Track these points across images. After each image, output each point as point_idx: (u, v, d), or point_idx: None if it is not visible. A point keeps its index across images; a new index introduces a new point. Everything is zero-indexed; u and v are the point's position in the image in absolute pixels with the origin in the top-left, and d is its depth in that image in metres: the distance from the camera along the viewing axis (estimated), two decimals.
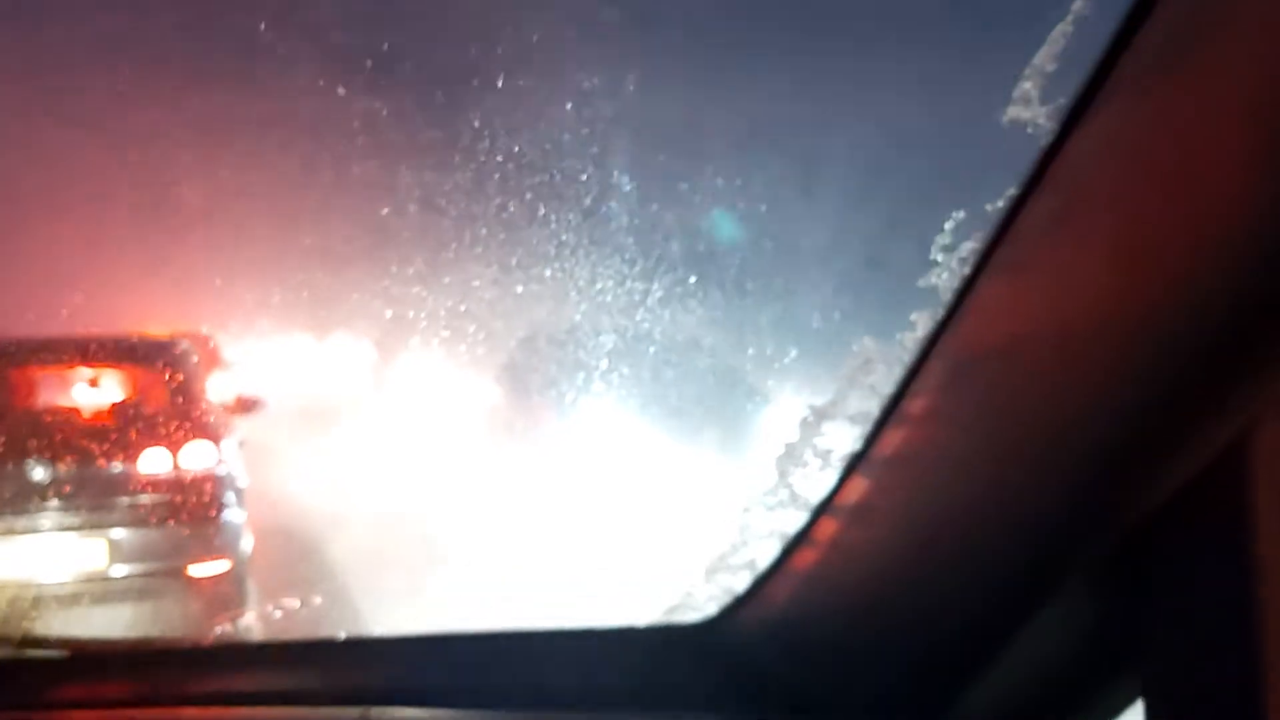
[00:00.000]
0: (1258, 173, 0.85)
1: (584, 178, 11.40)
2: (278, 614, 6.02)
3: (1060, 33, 1.38)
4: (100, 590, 6.41)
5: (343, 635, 1.92)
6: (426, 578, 6.74)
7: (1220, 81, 0.88)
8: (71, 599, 6.35)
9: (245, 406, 7.64)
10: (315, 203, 11.22)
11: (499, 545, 7.38)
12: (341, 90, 11.32)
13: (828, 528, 1.34)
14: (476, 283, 11.41)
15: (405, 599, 6.40)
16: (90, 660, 1.78)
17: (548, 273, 11.26)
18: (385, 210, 11.35)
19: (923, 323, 1.27)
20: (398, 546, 7.20)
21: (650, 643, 1.64)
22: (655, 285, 11.20)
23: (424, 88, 11.53)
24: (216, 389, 7.43)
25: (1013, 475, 1.07)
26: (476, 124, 11.54)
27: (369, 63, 11.27)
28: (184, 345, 7.38)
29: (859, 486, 1.28)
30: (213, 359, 7.77)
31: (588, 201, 11.38)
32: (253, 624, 6.18)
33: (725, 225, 10.95)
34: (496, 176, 11.44)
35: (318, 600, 6.23)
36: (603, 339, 11.27)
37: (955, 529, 1.14)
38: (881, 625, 1.25)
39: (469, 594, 6.38)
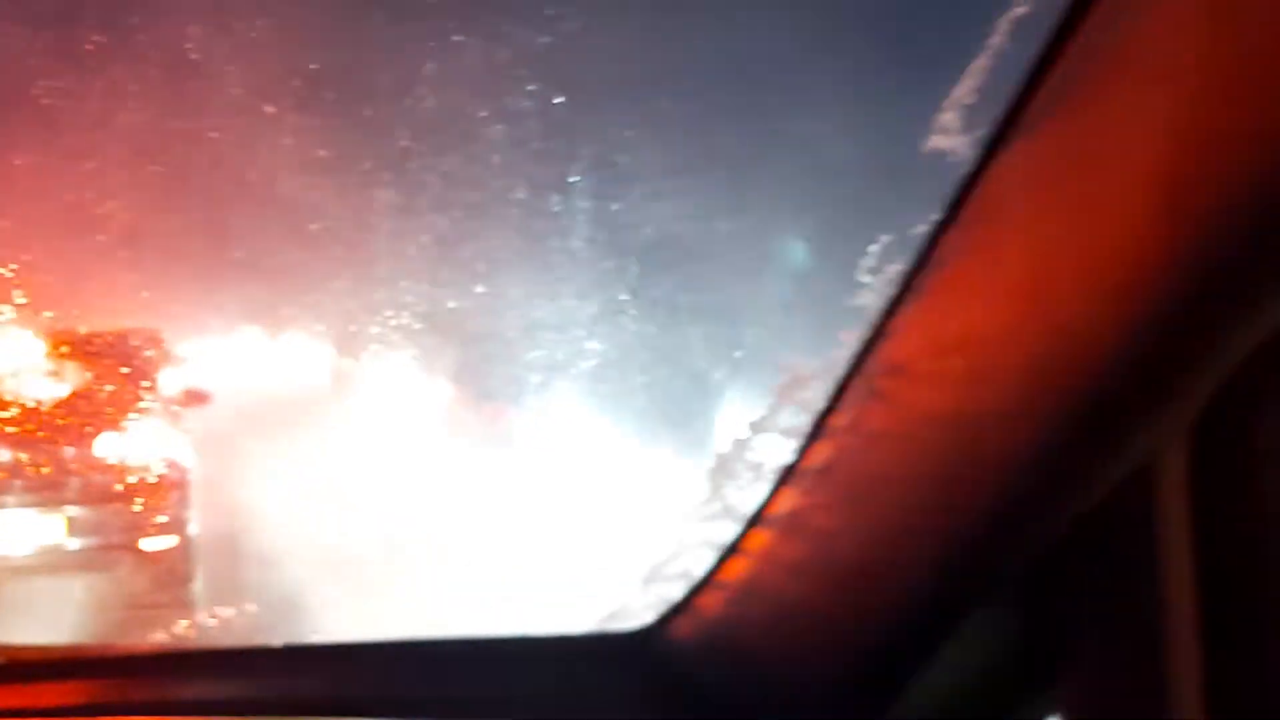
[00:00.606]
0: (1161, 211, 0.90)
1: (518, 195, 11.40)
2: (212, 621, 6.14)
3: (978, 66, 1.44)
4: (58, 561, 6.94)
5: (278, 643, 1.92)
6: (363, 580, 6.77)
7: (1131, 117, 0.94)
8: (32, 569, 6.85)
9: (193, 399, 8.08)
10: (247, 217, 11.13)
11: (439, 551, 7.43)
12: (270, 108, 11.26)
13: (759, 539, 1.38)
14: (410, 297, 11.36)
15: (341, 602, 6.44)
16: (25, 667, 1.75)
17: (479, 288, 11.25)
18: (315, 226, 11.29)
19: (850, 342, 1.32)
20: (332, 549, 7.29)
21: (586, 651, 1.66)
22: (590, 303, 11.24)
23: (354, 106, 11.48)
24: (167, 382, 7.94)
25: (932, 492, 1.12)
26: (406, 142, 11.52)
27: (297, 82, 11.22)
28: (137, 340, 7.94)
29: (789, 499, 1.33)
30: (163, 354, 8.19)
31: (520, 219, 11.39)
32: (188, 631, 6.32)
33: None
34: (427, 194, 11.43)
35: (252, 607, 6.36)
36: (535, 354, 11.28)
37: (879, 542, 1.19)
38: (810, 636, 1.29)
39: (407, 599, 6.40)
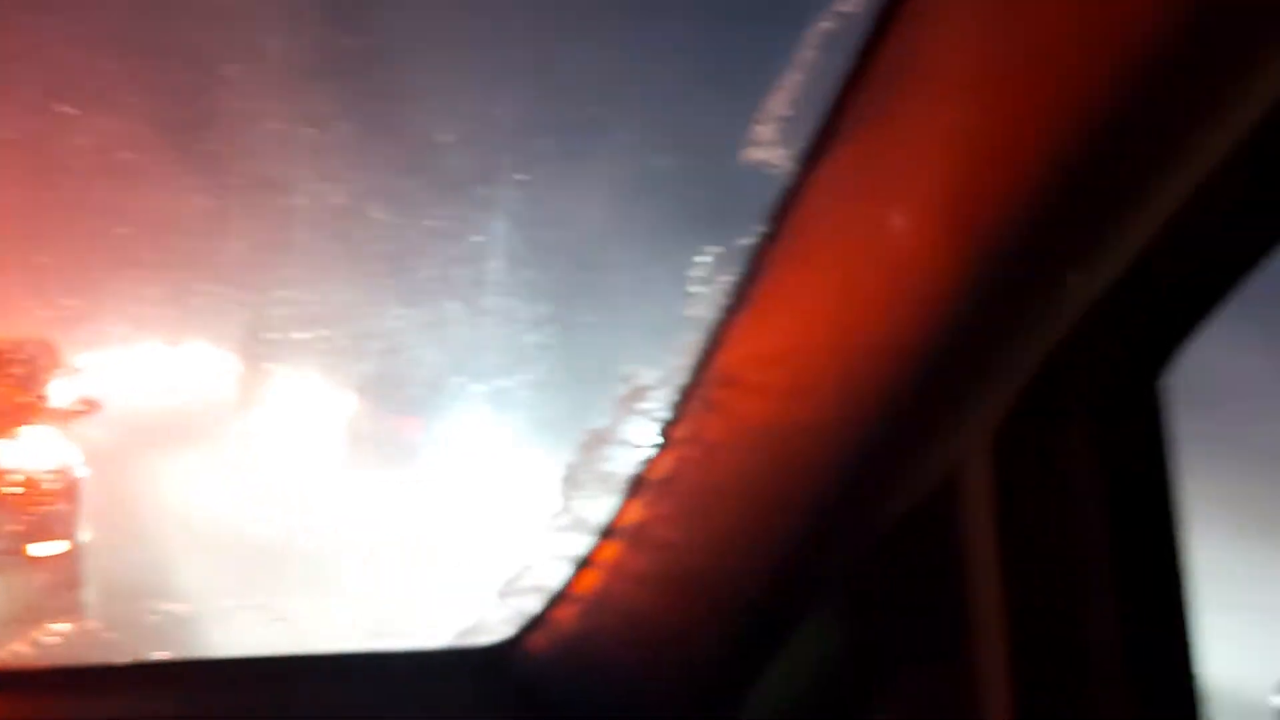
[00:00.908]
0: (950, 224, 0.95)
1: (336, 201, 11.17)
2: (46, 639, 6.09)
3: (789, 79, 1.48)
4: None
5: (120, 660, 1.89)
6: (243, 591, 6.72)
7: (925, 134, 0.99)
8: None
9: (85, 408, 8.24)
10: (48, 221, 10.74)
11: (307, 563, 7.43)
12: (71, 109, 10.88)
13: (609, 551, 1.40)
14: (234, 306, 11.08)
15: (222, 613, 6.39)
16: None
17: (299, 296, 11.00)
18: (124, 230, 10.93)
19: (688, 352, 1.35)
20: (207, 560, 7.30)
21: (443, 665, 1.67)
22: (420, 311, 11.04)
23: (159, 109, 11.14)
24: (58, 390, 8.11)
25: (760, 502, 1.16)
26: (213, 146, 11.18)
27: (98, 83, 10.86)
28: (27, 348, 8.10)
29: (636, 510, 1.36)
30: (55, 362, 8.35)
31: (339, 227, 11.15)
32: (23, 648, 6.26)
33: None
34: (239, 199, 11.13)
35: (92, 624, 6.33)
36: (364, 366, 11.09)
37: (716, 552, 1.23)
38: (659, 647, 1.32)
39: (266, 614, 6.35)
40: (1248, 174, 0.87)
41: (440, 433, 10.73)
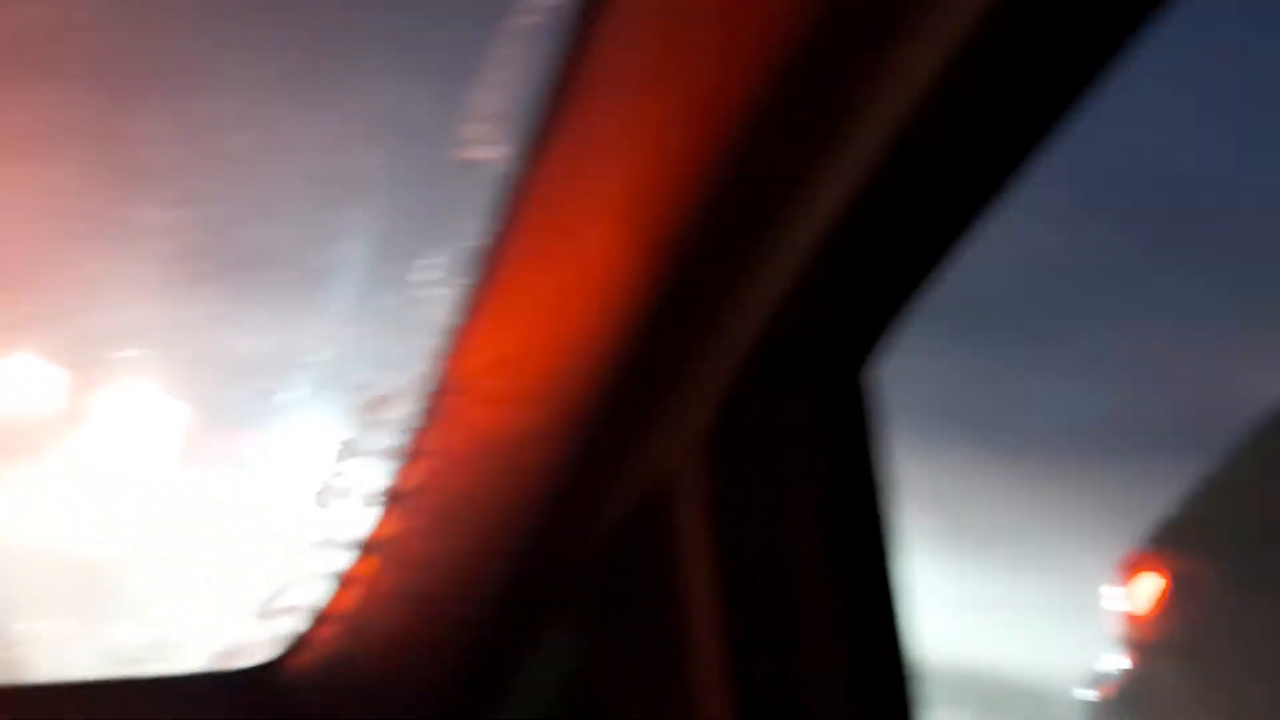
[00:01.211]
0: (634, 228, 0.97)
1: (32, 197, 10.55)
2: None
3: (497, 76, 1.47)
4: None
5: None
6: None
7: (615, 134, 1.00)
8: None
9: None
10: None
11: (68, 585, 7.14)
12: None
13: (366, 567, 1.39)
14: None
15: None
16: None
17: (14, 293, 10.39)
18: None
19: (430, 357, 1.34)
20: None
21: (200, 691, 1.61)
22: (136, 315, 10.52)
23: None
24: None
25: (494, 513, 1.16)
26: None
27: None
28: None
29: (389, 525, 1.34)
30: None
31: (48, 224, 10.55)
32: None
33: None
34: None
35: None
36: (97, 365, 10.59)
37: (462, 565, 1.23)
38: (416, 664, 1.31)
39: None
40: (914, 163, 0.90)
41: (187, 448, 10.35)
